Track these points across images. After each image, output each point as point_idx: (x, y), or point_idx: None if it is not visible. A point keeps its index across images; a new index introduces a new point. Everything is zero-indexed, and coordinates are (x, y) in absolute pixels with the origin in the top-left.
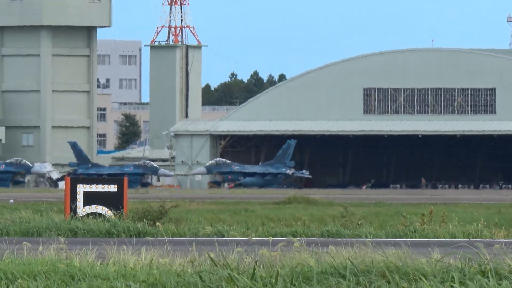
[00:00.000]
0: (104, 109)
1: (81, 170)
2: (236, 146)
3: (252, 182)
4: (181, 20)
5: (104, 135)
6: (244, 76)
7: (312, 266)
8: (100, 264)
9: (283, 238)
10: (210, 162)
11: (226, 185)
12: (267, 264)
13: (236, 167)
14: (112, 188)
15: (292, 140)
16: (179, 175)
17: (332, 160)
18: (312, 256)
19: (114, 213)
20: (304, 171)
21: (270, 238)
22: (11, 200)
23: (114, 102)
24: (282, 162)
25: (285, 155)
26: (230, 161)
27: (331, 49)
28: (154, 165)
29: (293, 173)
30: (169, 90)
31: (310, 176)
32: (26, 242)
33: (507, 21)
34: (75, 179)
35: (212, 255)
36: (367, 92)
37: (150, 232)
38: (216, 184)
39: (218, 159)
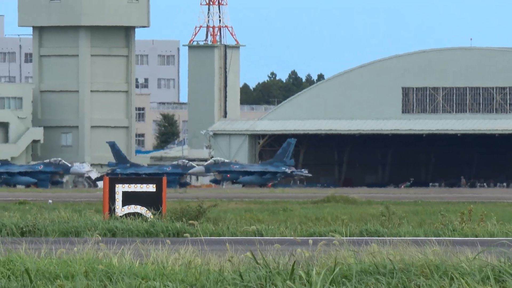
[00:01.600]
0: (143, 109)
1: (120, 170)
2: (275, 146)
3: (251, 180)
4: (219, 20)
5: (142, 135)
6: (283, 75)
7: (351, 265)
8: (139, 263)
9: (321, 237)
10: (208, 161)
11: (224, 184)
12: (306, 263)
13: (235, 166)
14: (151, 188)
15: (292, 138)
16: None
17: (370, 159)
18: (351, 255)
19: (152, 213)
20: (303, 170)
21: (310, 241)
22: (50, 201)
23: (153, 102)
24: (282, 161)
25: (285, 153)
26: (228, 160)
27: (370, 48)
28: (193, 164)
29: (292, 172)
30: (208, 90)
31: (310, 175)
32: (64, 242)
33: None
34: (114, 179)
35: (251, 254)
36: (406, 91)
37: (189, 231)
38: (215, 183)
39: (216, 158)
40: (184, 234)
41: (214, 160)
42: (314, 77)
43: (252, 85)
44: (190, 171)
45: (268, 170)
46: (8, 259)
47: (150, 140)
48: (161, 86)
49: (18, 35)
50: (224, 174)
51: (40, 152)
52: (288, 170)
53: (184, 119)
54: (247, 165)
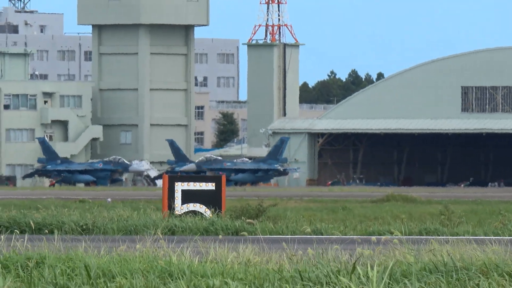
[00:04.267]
0: (202, 107)
1: (179, 168)
2: (334, 144)
3: (243, 178)
4: (279, 19)
5: (201, 133)
6: (342, 74)
7: (411, 263)
8: (198, 261)
9: (381, 236)
10: (200, 159)
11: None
12: (365, 261)
13: (228, 164)
14: (210, 186)
15: (286, 136)
16: (301, 172)
17: (430, 158)
18: (411, 254)
19: (212, 211)
20: (296, 167)
21: (373, 239)
22: (109, 199)
23: (212, 100)
24: (275, 159)
25: (278, 151)
26: (220, 158)
27: (429, 47)
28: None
29: (284, 170)
30: (267, 88)
31: (300, 173)
32: (124, 240)
33: None
34: (173, 177)
35: (311, 253)
36: (465, 90)
37: (248, 230)
38: None
39: (208, 155)
40: (241, 233)
41: (206, 158)
42: (374, 76)
43: (311, 84)
44: (182, 168)
45: (260, 167)
46: (68, 257)
47: (210, 139)
48: (220, 84)
49: (78, 33)
50: (216, 172)
51: (100, 150)
52: (280, 168)
53: (243, 117)
54: (240, 162)
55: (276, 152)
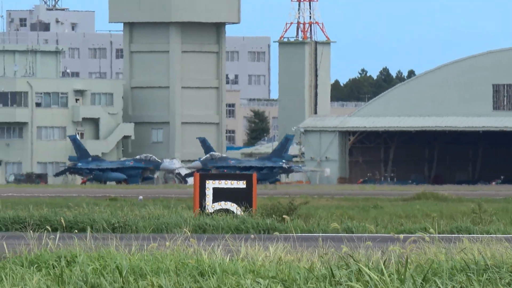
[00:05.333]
0: (233, 105)
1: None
2: (365, 142)
3: None
4: (310, 16)
5: (233, 131)
6: (373, 72)
7: (442, 262)
8: (229, 260)
9: (412, 235)
10: (205, 156)
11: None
12: (396, 259)
13: (232, 161)
14: (241, 184)
15: (290, 134)
16: (308, 171)
17: (461, 156)
18: (442, 252)
19: (243, 210)
20: (300, 165)
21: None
22: (140, 197)
23: (243, 98)
24: (280, 156)
25: (283, 149)
26: (225, 155)
27: (461, 44)
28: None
29: (289, 167)
30: (298, 86)
31: (312, 169)
32: (155, 238)
33: None
34: (204, 175)
35: (342, 251)
36: (496, 88)
37: (279, 228)
38: None
39: (212, 153)
40: (274, 233)
41: (211, 155)
42: (405, 74)
43: (342, 82)
44: (188, 166)
45: (265, 165)
46: (99, 255)
47: (241, 137)
48: (251, 82)
49: (109, 31)
50: (221, 169)
51: (131, 148)
52: (285, 165)
53: (274, 115)
54: (245, 160)
55: (281, 150)
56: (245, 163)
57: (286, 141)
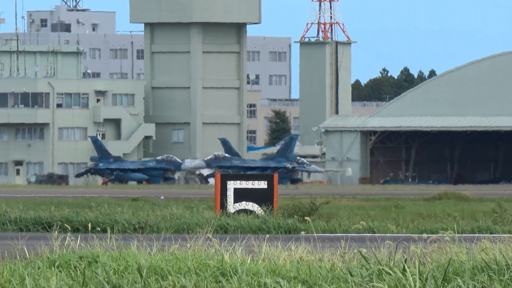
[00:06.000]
0: (254, 106)
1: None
2: (386, 142)
3: None
4: (331, 17)
5: (254, 132)
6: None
7: (464, 262)
8: (250, 260)
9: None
10: (209, 156)
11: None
12: (417, 259)
13: (236, 161)
14: (262, 184)
15: (295, 134)
16: (329, 171)
17: (482, 156)
18: (463, 252)
19: (264, 210)
20: (305, 164)
21: (424, 236)
22: (162, 197)
23: (264, 98)
24: (284, 156)
25: (287, 149)
26: (229, 155)
27: (482, 44)
28: (304, 161)
29: (293, 167)
30: (319, 86)
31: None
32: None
33: None
34: (226, 176)
35: (363, 251)
36: None
37: (300, 228)
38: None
39: (216, 153)
40: (296, 233)
41: (215, 155)
42: (426, 74)
43: (363, 82)
44: (191, 165)
45: (269, 165)
46: (120, 255)
47: (262, 137)
48: (272, 82)
49: (130, 31)
50: (226, 169)
51: (152, 149)
52: (289, 166)
53: (295, 115)
54: (249, 160)
55: (286, 150)
56: (249, 163)
57: (291, 141)
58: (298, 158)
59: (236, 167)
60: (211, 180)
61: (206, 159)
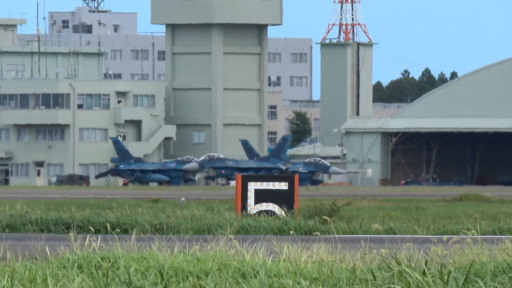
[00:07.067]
0: (275, 107)
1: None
2: (407, 144)
3: None
4: (352, 18)
5: (274, 133)
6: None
7: (485, 263)
8: (271, 261)
9: (454, 236)
10: (203, 157)
11: (219, 180)
12: (438, 261)
13: (230, 162)
14: (283, 185)
15: (288, 135)
16: (350, 172)
17: (504, 157)
18: (484, 253)
19: (285, 211)
20: (298, 165)
21: (444, 237)
22: (183, 199)
23: (285, 99)
24: (278, 157)
25: (281, 150)
26: (223, 156)
27: (503, 46)
28: (325, 162)
29: (287, 168)
30: (340, 88)
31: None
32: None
33: None
34: (246, 177)
35: (383, 252)
36: None
37: (321, 229)
38: (210, 179)
39: (210, 154)
40: (314, 233)
41: (209, 156)
42: (447, 75)
43: (385, 83)
44: (184, 166)
45: (263, 166)
46: (142, 256)
47: None
48: (293, 84)
49: (151, 32)
50: (219, 170)
51: (173, 150)
52: (283, 167)
53: (316, 117)
54: (242, 161)
55: (279, 151)
56: (243, 164)
57: (284, 142)
58: (318, 158)
59: (229, 167)
60: (232, 182)
61: (200, 159)
